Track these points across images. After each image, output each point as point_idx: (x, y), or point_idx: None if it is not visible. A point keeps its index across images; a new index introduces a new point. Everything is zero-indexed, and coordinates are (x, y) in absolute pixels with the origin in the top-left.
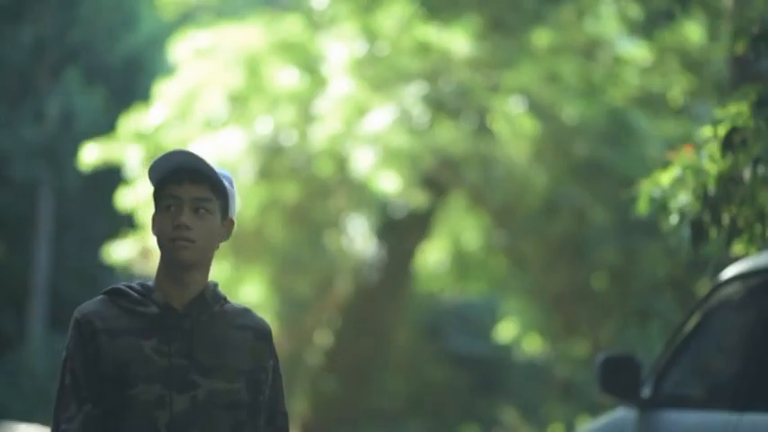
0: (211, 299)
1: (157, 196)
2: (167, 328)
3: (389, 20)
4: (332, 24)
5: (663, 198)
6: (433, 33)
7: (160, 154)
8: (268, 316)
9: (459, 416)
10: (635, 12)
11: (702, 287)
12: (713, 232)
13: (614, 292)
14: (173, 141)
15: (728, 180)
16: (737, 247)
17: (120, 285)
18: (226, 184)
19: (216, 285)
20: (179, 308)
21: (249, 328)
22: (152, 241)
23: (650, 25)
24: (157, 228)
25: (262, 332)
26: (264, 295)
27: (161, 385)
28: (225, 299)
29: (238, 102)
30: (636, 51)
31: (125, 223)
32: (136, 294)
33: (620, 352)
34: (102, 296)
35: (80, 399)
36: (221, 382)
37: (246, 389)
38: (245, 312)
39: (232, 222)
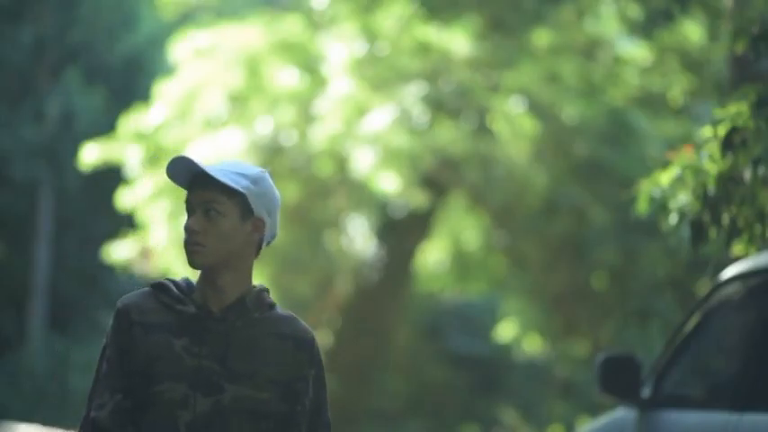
0: (253, 304)
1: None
2: (201, 329)
3: (389, 20)
4: (332, 24)
5: (663, 198)
6: (433, 33)
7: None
8: None
9: (459, 416)
10: (635, 12)
11: (702, 287)
12: (713, 232)
13: (614, 292)
14: (173, 141)
15: (728, 180)
16: (737, 248)
17: (165, 280)
18: (245, 182)
19: (263, 291)
20: (217, 311)
21: (290, 337)
22: (152, 241)
23: (650, 25)
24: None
25: (302, 341)
26: None
27: (187, 385)
28: (271, 305)
29: (238, 102)
30: (636, 51)
31: (125, 223)
32: (177, 291)
33: (620, 352)
34: (147, 288)
35: (113, 388)
36: (248, 390)
37: (282, 399)
38: (290, 320)
39: (261, 221)
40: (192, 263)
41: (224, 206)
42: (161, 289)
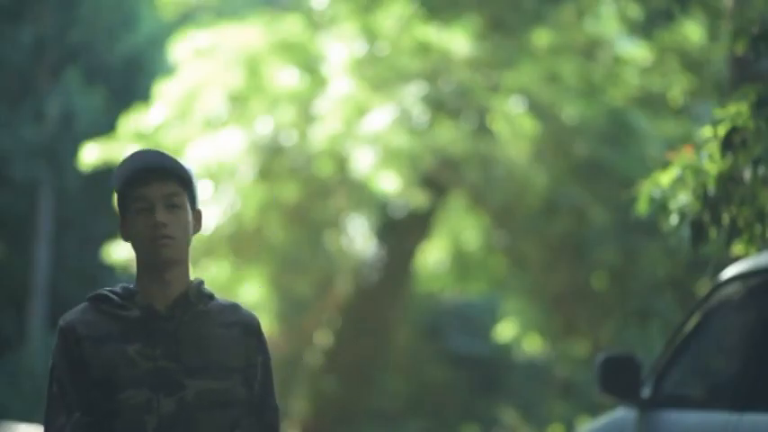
0: (195, 298)
1: (126, 200)
2: (151, 330)
3: (389, 20)
4: (332, 24)
5: (663, 198)
6: (433, 33)
7: (124, 161)
8: (268, 316)
9: (459, 416)
10: (635, 12)
11: (702, 287)
12: (713, 232)
13: (614, 292)
14: (173, 141)
15: (728, 180)
16: (737, 247)
17: (103, 290)
18: (190, 173)
19: (201, 283)
20: (162, 309)
21: (237, 324)
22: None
23: (650, 25)
24: (132, 231)
25: (250, 327)
26: (264, 295)
27: (148, 389)
28: (211, 296)
29: (238, 102)
30: (636, 51)
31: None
32: (118, 299)
33: (620, 352)
34: (85, 303)
35: (69, 407)
36: (210, 382)
37: (242, 385)
38: (234, 308)
39: (200, 213)
40: (162, 257)
41: (182, 198)
42: (101, 300)
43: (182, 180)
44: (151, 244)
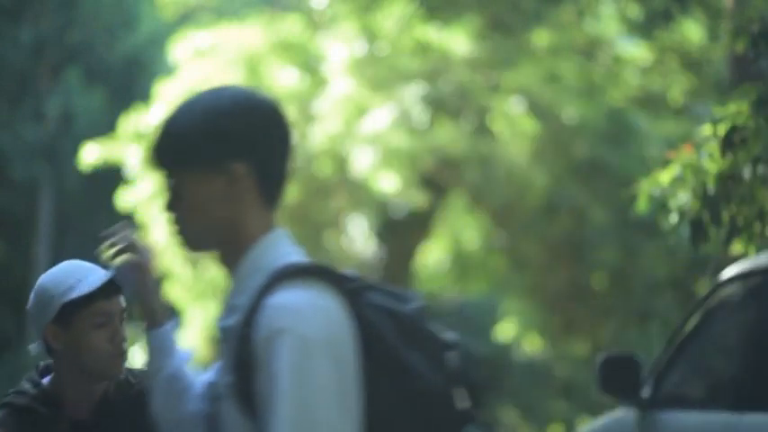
0: (116, 393)
1: (81, 314)
2: None
3: (389, 20)
4: (332, 24)
5: (663, 197)
6: (432, 33)
7: (56, 272)
8: None
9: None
10: (635, 12)
11: (702, 287)
12: (713, 231)
13: (614, 292)
14: None
15: (728, 179)
16: (737, 246)
17: (27, 401)
18: None
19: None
20: (84, 417)
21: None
22: (152, 241)
23: (650, 25)
24: (89, 347)
25: None
26: None
27: None
28: (128, 380)
29: None
30: (636, 51)
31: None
32: (44, 410)
33: (620, 352)
34: (6, 411)
35: None
36: None
37: None
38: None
39: None
40: (117, 374)
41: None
42: (25, 412)
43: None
44: (111, 360)
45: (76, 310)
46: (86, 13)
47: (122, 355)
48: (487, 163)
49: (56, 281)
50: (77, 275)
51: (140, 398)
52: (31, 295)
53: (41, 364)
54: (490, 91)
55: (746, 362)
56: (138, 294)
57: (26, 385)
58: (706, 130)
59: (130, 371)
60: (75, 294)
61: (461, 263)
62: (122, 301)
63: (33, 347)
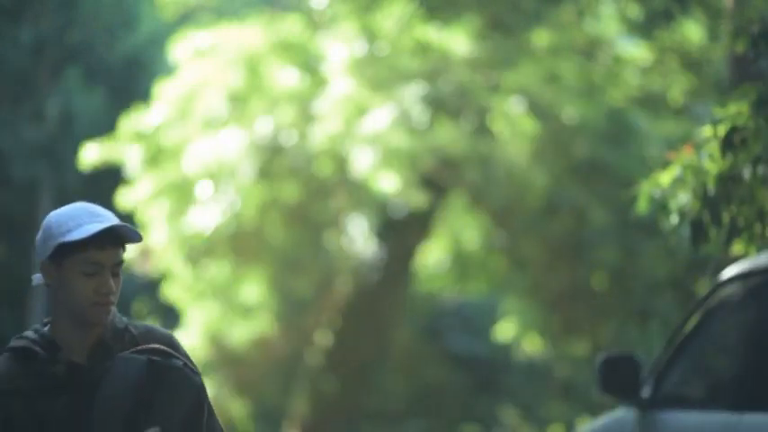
0: (112, 338)
1: (70, 255)
2: (77, 385)
3: (389, 20)
4: (332, 24)
5: (663, 198)
6: (432, 33)
7: (66, 211)
8: (268, 316)
9: (459, 416)
10: (635, 12)
11: (702, 287)
12: (713, 232)
13: (614, 292)
14: (173, 141)
15: (728, 180)
16: (737, 247)
17: (26, 343)
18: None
19: (113, 315)
20: (81, 361)
21: (146, 352)
22: (152, 241)
23: (650, 25)
24: (74, 291)
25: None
26: (264, 295)
27: None
28: (125, 328)
29: (238, 102)
30: (636, 51)
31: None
32: (42, 352)
33: (620, 352)
34: (6, 355)
35: None
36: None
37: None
38: (147, 335)
39: None
40: (99, 321)
41: (123, 261)
42: (24, 354)
43: (125, 247)
44: (93, 308)
45: (69, 253)
46: (86, 13)
47: (106, 305)
48: (487, 163)
49: (59, 220)
50: (79, 220)
51: (134, 343)
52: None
53: (46, 319)
54: (490, 91)
55: (746, 362)
56: None
57: (28, 332)
58: (706, 130)
59: (133, 323)
60: (69, 238)
61: (461, 263)
62: (119, 253)
63: (35, 278)
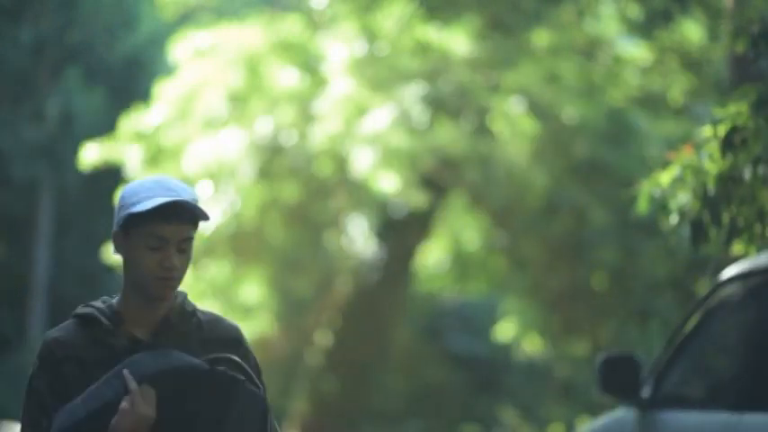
0: (178, 319)
1: (137, 228)
2: None
3: (389, 20)
4: (332, 24)
5: (663, 198)
6: (432, 33)
7: (142, 182)
8: (268, 316)
9: (459, 416)
10: (635, 12)
11: (702, 287)
12: (713, 232)
13: (614, 292)
14: (173, 141)
15: (728, 180)
16: (737, 247)
17: (92, 311)
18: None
19: (183, 300)
20: (146, 337)
21: (218, 340)
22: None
23: (650, 25)
24: (136, 260)
25: (231, 340)
26: (264, 295)
27: None
28: (193, 312)
29: (238, 102)
30: (636, 51)
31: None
32: (107, 323)
33: (620, 352)
34: (71, 320)
35: (48, 414)
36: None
37: None
38: (214, 323)
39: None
40: (162, 297)
41: (192, 242)
42: (88, 321)
43: (196, 224)
44: (155, 282)
45: (135, 225)
46: (86, 13)
47: (169, 281)
48: (487, 163)
49: (132, 191)
50: (151, 192)
51: (200, 328)
52: None
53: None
54: (490, 91)
55: (746, 362)
56: None
57: (96, 301)
58: (706, 130)
59: (201, 309)
60: (136, 209)
61: (461, 263)
62: (187, 229)
63: (113, 248)
